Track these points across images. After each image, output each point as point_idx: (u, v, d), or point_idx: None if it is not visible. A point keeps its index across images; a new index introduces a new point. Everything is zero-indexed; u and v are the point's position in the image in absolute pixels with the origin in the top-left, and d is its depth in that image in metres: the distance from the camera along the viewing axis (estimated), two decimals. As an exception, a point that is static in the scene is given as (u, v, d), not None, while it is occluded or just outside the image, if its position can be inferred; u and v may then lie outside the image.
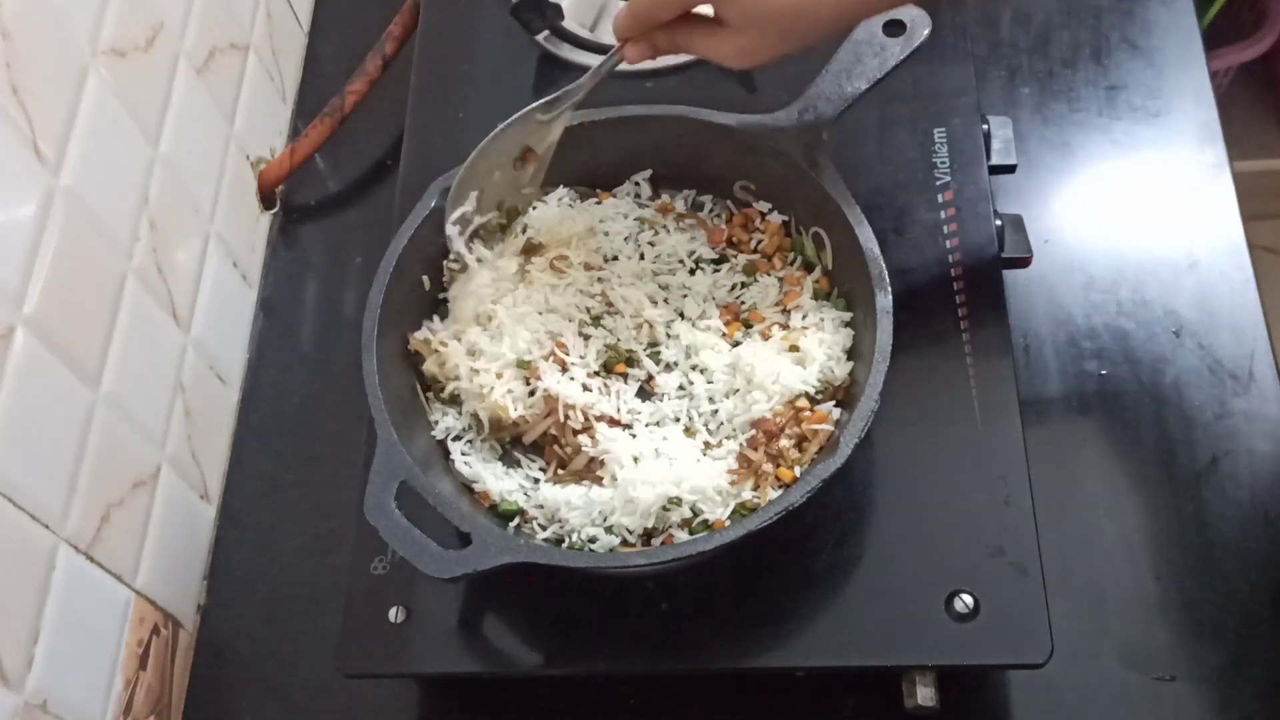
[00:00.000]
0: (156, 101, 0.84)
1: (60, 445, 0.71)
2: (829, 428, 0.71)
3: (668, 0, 0.67)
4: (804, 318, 0.76)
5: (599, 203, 0.83)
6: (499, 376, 0.74)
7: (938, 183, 0.83)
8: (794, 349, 0.74)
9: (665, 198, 0.83)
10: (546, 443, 0.75)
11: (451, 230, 0.77)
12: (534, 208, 0.81)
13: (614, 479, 0.71)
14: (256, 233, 0.99)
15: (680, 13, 0.68)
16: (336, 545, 0.83)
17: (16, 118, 0.67)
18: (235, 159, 0.96)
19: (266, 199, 1.01)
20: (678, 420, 0.74)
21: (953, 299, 0.78)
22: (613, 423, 0.73)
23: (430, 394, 0.78)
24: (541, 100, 0.76)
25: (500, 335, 0.76)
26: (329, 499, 0.87)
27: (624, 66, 0.92)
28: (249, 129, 0.98)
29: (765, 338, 0.76)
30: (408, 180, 0.86)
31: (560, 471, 0.74)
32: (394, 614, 0.72)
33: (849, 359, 0.75)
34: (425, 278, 0.79)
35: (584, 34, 0.94)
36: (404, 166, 0.88)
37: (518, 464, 0.75)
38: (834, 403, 0.73)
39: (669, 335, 0.77)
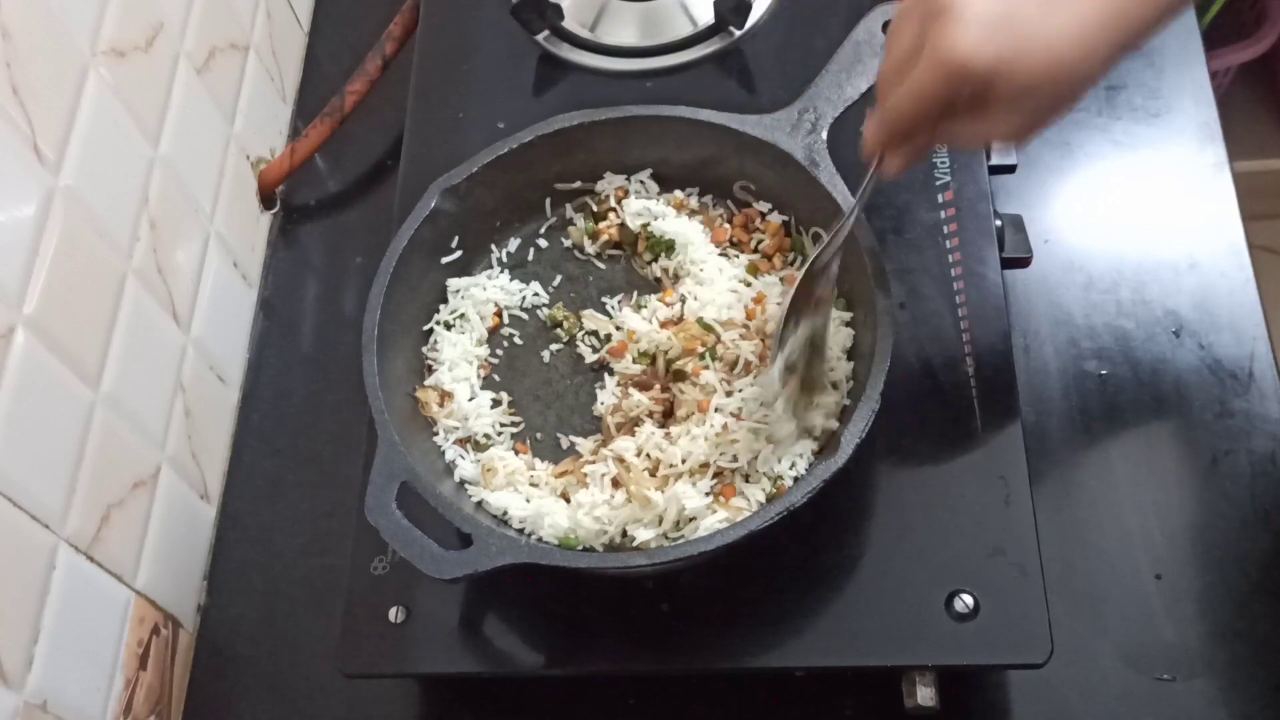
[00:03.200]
0: (156, 101, 0.84)
1: (60, 445, 0.71)
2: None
3: (942, 87, 0.59)
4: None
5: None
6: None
7: (938, 183, 0.83)
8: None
9: (678, 194, 0.83)
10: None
11: None
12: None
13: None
14: (256, 233, 0.99)
15: (953, 100, 0.60)
16: (336, 545, 0.82)
17: (16, 118, 0.67)
18: (235, 159, 0.96)
19: (266, 199, 1.01)
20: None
21: (953, 299, 0.78)
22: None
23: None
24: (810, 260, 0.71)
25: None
26: (329, 499, 0.87)
27: (624, 66, 0.93)
28: (249, 129, 0.98)
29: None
30: (408, 180, 0.86)
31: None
32: (394, 614, 0.72)
33: (849, 359, 0.75)
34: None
35: (584, 34, 0.94)
36: (404, 166, 0.88)
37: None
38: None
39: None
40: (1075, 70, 0.59)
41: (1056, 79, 0.59)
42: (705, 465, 0.71)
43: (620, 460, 0.72)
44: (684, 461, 0.71)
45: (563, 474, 0.74)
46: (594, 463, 0.73)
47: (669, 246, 0.80)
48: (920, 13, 0.60)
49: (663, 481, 0.71)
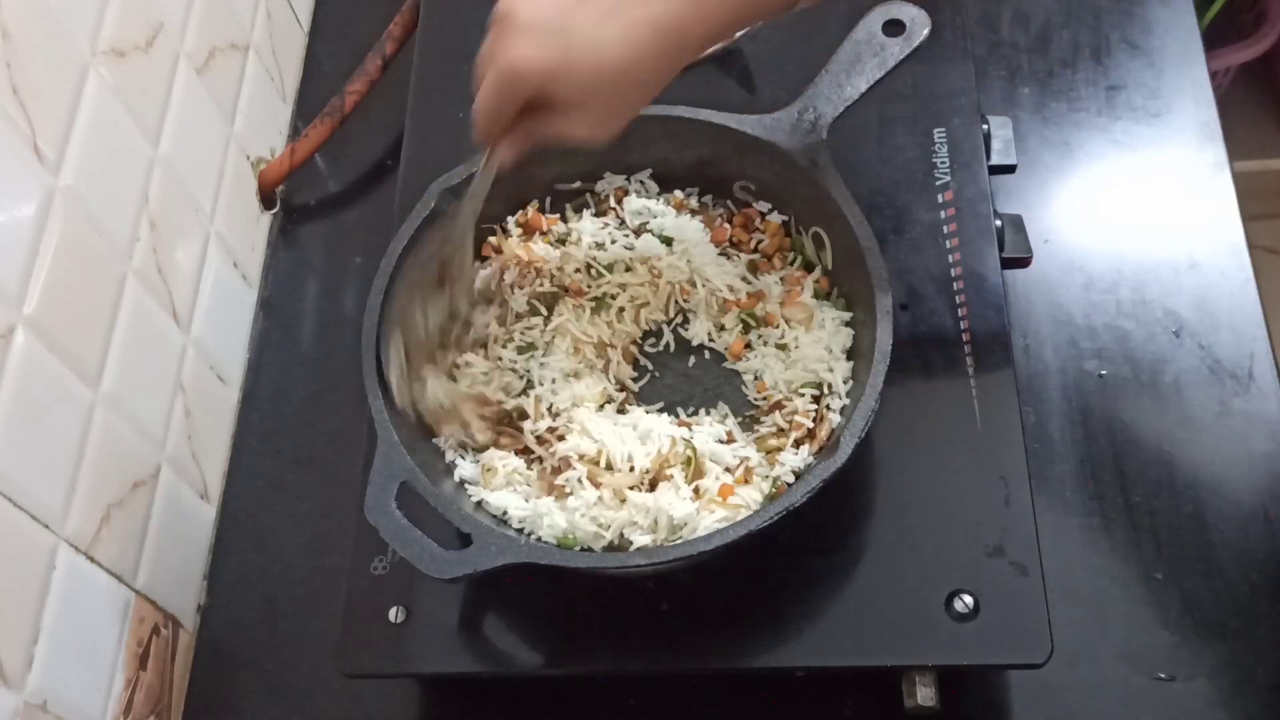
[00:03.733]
0: (156, 101, 0.84)
1: (60, 445, 0.71)
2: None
3: (503, 93, 0.64)
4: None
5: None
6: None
7: (938, 183, 0.83)
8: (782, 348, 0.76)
9: (678, 194, 0.83)
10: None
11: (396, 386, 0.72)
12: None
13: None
14: (256, 233, 0.99)
15: (519, 103, 0.65)
16: (336, 545, 0.82)
17: (16, 118, 0.67)
18: (235, 159, 0.96)
19: (266, 199, 1.01)
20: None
21: (953, 299, 0.78)
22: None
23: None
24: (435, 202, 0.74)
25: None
26: (329, 499, 0.87)
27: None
28: (249, 129, 0.98)
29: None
30: (408, 180, 0.86)
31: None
32: (394, 614, 0.72)
33: (849, 359, 0.75)
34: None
35: (584, 34, 0.94)
36: (404, 166, 0.88)
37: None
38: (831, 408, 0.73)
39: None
40: (628, 74, 0.64)
41: (611, 82, 0.64)
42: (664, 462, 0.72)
43: (584, 459, 0.72)
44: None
45: (546, 485, 0.74)
46: (560, 471, 0.73)
47: (667, 243, 0.80)
48: (499, 15, 0.65)
49: (640, 477, 0.71)
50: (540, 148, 0.69)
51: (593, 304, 0.79)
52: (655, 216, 0.81)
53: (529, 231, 0.82)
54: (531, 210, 0.83)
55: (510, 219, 0.83)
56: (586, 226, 0.82)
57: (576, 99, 0.64)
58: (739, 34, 0.66)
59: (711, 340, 0.78)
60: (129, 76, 0.79)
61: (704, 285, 0.78)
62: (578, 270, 0.80)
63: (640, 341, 0.79)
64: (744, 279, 0.79)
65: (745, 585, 0.72)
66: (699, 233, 0.80)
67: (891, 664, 0.70)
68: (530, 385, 0.76)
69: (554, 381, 0.75)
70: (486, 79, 0.65)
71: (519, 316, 0.79)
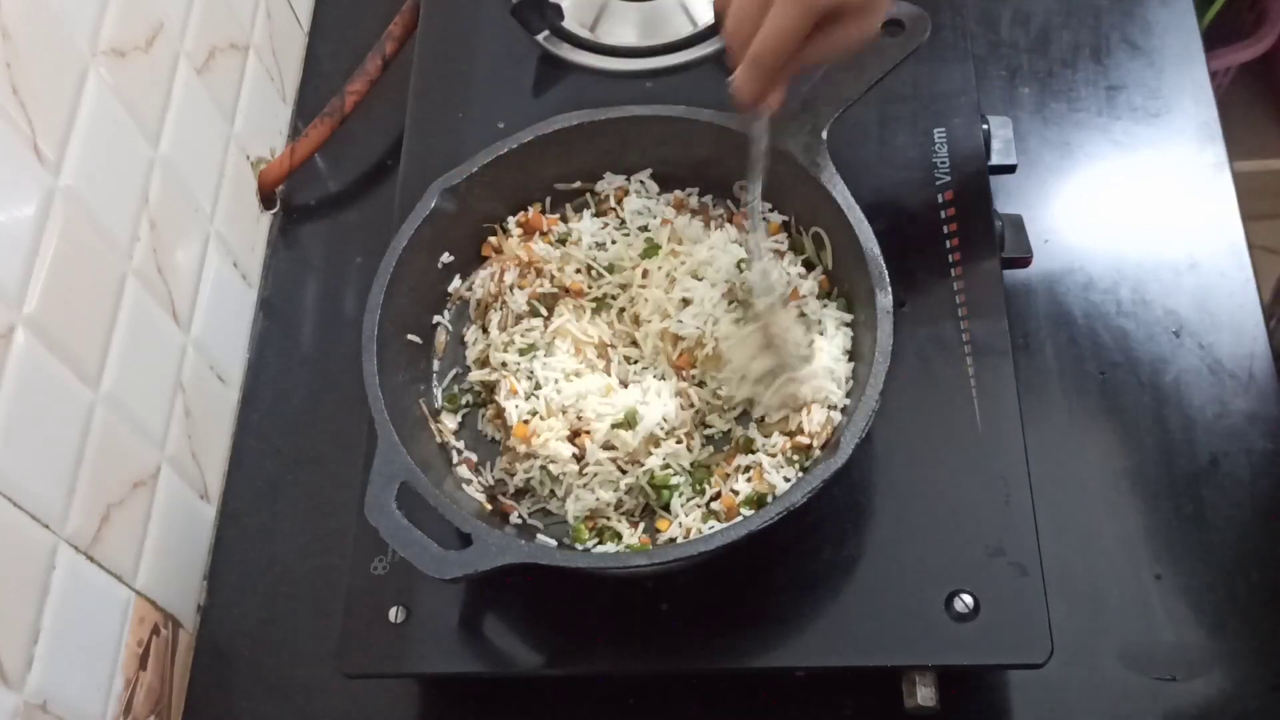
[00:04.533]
0: (156, 101, 0.84)
1: (60, 445, 0.71)
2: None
3: (795, 22, 0.64)
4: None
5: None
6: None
7: (938, 183, 0.83)
8: None
9: (678, 193, 0.83)
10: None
11: None
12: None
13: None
14: (256, 233, 0.99)
15: (818, 18, 0.65)
16: (336, 545, 0.82)
17: (16, 118, 0.67)
18: (235, 159, 0.96)
19: (266, 199, 1.01)
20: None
21: (953, 299, 0.78)
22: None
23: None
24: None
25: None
26: (329, 499, 0.87)
27: (624, 66, 0.93)
28: (249, 129, 0.98)
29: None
30: (408, 180, 0.86)
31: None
32: (394, 614, 0.72)
33: (849, 359, 0.75)
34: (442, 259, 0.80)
35: (584, 34, 0.94)
36: (404, 166, 0.88)
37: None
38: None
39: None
40: None
41: None
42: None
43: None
44: None
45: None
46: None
47: (654, 251, 0.80)
48: None
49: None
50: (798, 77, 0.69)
51: (593, 305, 0.79)
52: (655, 218, 0.81)
53: (529, 231, 0.82)
54: (532, 211, 0.83)
55: (510, 219, 0.83)
56: (586, 226, 0.82)
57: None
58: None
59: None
60: (129, 76, 0.79)
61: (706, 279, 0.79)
62: (578, 270, 0.80)
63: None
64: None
65: (745, 585, 0.72)
66: (700, 233, 0.80)
67: (891, 664, 0.70)
68: (539, 385, 0.76)
69: (557, 382, 0.75)
70: (780, 8, 0.64)
71: (519, 318, 0.79)
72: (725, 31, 0.68)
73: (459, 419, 0.79)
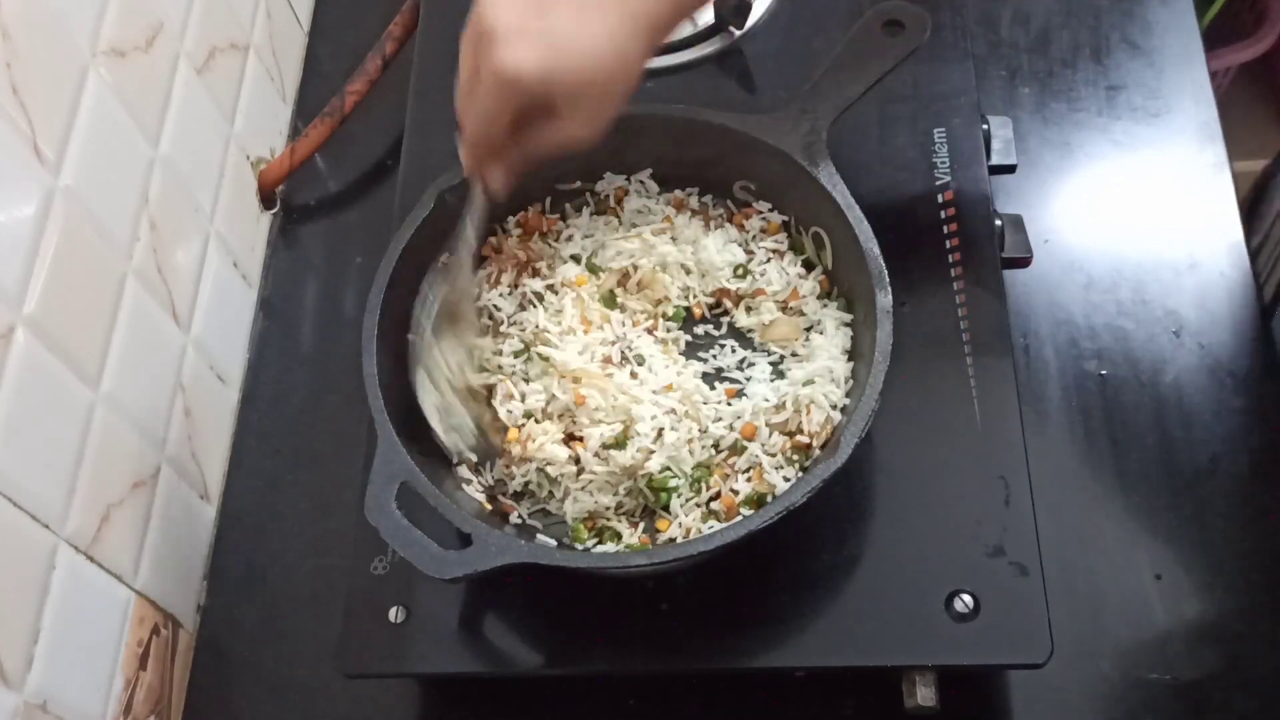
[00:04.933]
0: (156, 101, 0.84)
1: (60, 445, 0.71)
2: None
3: (500, 102, 0.65)
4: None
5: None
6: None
7: (938, 183, 0.83)
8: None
9: (678, 193, 0.83)
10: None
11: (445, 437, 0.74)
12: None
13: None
14: (256, 233, 0.99)
15: (514, 113, 0.66)
16: (336, 545, 0.83)
17: (16, 118, 0.67)
18: (235, 159, 0.96)
19: (266, 199, 1.01)
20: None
21: (953, 299, 0.78)
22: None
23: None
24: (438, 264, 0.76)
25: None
26: (329, 499, 0.87)
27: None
28: (249, 129, 0.98)
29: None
30: (408, 180, 0.86)
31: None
32: (394, 614, 0.72)
33: (849, 359, 0.75)
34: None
35: (584, 34, 0.94)
36: (404, 166, 0.88)
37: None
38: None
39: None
40: (615, 73, 0.66)
41: (601, 82, 0.65)
42: None
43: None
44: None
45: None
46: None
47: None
48: (473, 38, 0.66)
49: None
50: (531, 164, 0.70)
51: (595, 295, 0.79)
52: (655, 217, 0.81)
53: (529, 231, 0.82)
54: (532, 211, 0.83)
55: (511, 219, 0.83)
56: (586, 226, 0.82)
57: (572, 95, 0.65)
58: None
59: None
60: (129, 76, 0.79)
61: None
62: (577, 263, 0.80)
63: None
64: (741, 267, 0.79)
65: (745, 585, 0.72)
66: (699, 233, 0.81)
67: (891, 664, 0.70)
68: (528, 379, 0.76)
69: (549, 389, 0.74)
70: (483, 94, 0.66)
71: (511, 321, 0.78)
72: (456, 105, 0.69)
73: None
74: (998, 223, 0.82)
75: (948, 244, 0.81)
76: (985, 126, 0.85)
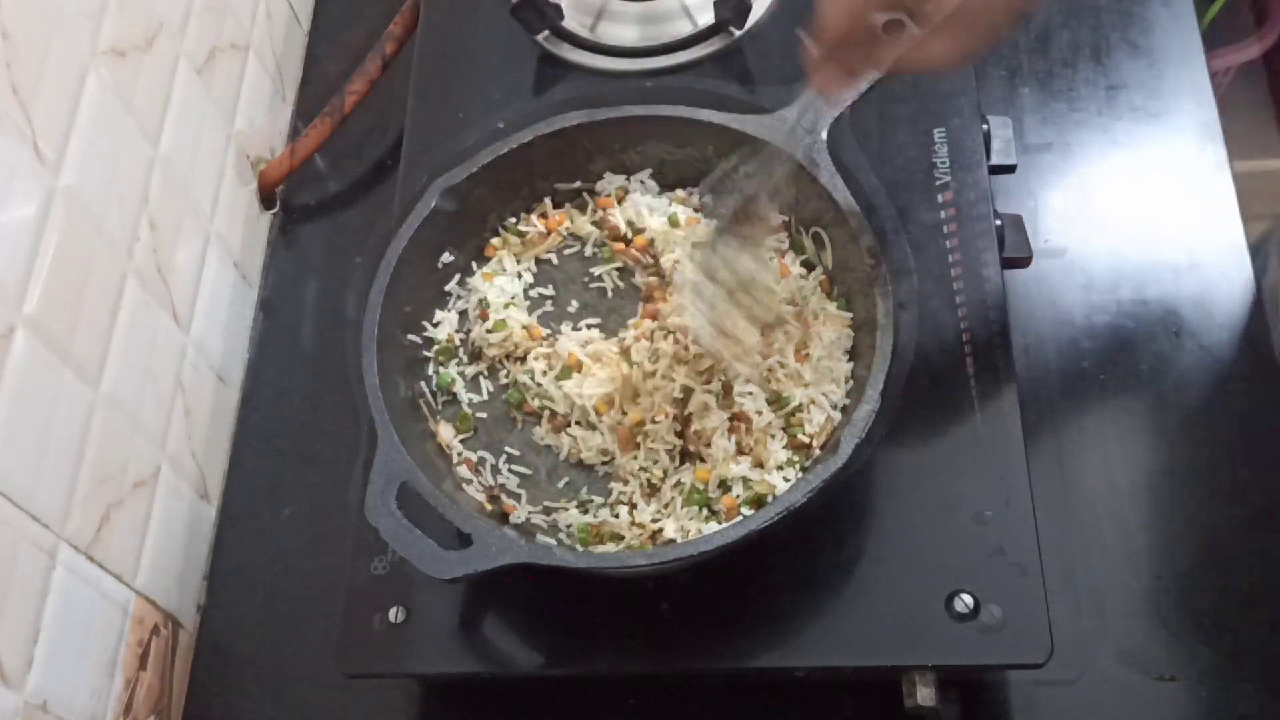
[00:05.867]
0: (156, 101, 0.84)
1: (60, 445, 0.71)
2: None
3: (860, 3, 0.61)
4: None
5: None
6: None
7: (938, 183, 0.83)
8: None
9: (679, 193, 0.83)
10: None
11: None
12: None
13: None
14: (256, 233, 0.99)
15: (871, 21, 0.62)
16: (336, 545, 0.82)
17: (16, 118, 0.67)
18: (235, 159, 0.96)
19: (266, 199, 1.01)
20: None
21: (953, 299, 0.78)
22: None
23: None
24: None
25: None
26: (329, 499, 0.87)
27: (624, 66, 0.93)
28: (249, 129, 0.98)
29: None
30: (408, 180, 0.86)
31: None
32: (394, 614, 0.72)
33: (849, 359, 0.75)
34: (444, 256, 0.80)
35: (584, 34, 0.94)
36: (404, 166, 0.88)
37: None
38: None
39: None
40: None
41: None
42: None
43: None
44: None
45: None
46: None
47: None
48: None
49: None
50: (874, 77, 0.66)
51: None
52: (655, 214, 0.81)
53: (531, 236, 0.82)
54: (534, 210, 0.83)
55: (511, 219, 0.83)
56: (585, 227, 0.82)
57: (941, 21, 0.61)
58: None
59: None
60: (129, 76, 0.79)
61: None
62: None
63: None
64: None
65: (745, 585, 0.72)
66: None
67: (891, 664, 0.70)
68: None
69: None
70: None
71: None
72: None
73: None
74: (998, 223, 0.82)
75: (948, 244, 0.80)
76: (985, 126, 0.85)
